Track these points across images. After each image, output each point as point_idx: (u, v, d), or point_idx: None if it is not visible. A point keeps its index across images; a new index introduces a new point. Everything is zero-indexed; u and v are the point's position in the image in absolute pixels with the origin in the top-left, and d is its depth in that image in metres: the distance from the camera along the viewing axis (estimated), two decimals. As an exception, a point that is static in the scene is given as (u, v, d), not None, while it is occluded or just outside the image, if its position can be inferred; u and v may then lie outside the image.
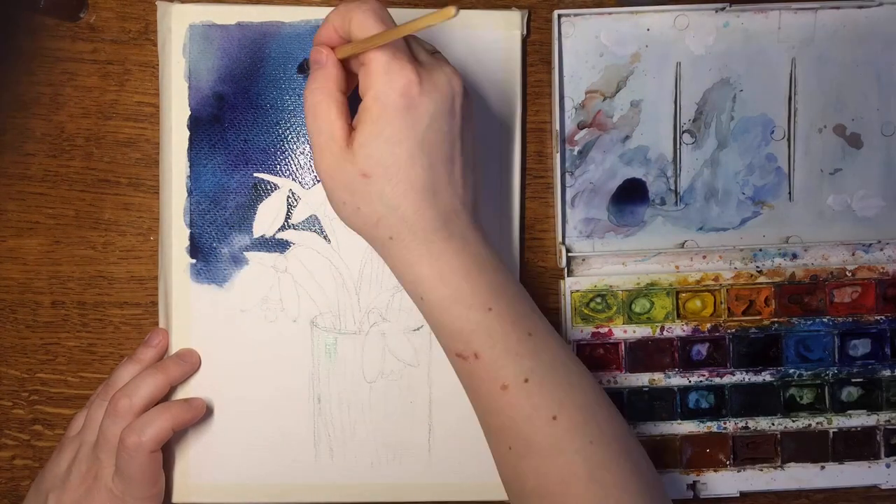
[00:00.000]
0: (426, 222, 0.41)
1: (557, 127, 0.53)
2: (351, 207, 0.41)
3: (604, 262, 0.54)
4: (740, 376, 0.54)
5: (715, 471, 0.54)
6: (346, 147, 0.40)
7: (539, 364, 0.42)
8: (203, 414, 0.51)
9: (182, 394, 0.52)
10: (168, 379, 0.50)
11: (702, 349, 0.54)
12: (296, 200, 0.53)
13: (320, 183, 0.44)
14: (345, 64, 0.42)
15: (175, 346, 0.52)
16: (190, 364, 0.52)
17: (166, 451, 0.52)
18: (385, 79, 0.39)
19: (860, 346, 0.54)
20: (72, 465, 0.50)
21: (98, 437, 0.49)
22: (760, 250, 0.54)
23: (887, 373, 0.54)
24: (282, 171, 0.53)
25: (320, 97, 0.41)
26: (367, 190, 0.40)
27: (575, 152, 0.54)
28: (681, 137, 0.54)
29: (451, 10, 0.34)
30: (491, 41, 0.53)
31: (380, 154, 0.39)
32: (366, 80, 0.39)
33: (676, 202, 0.54)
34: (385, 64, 0.39)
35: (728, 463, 0.54)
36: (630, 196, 0.54)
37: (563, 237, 0.54)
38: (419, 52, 0.42)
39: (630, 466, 0.41)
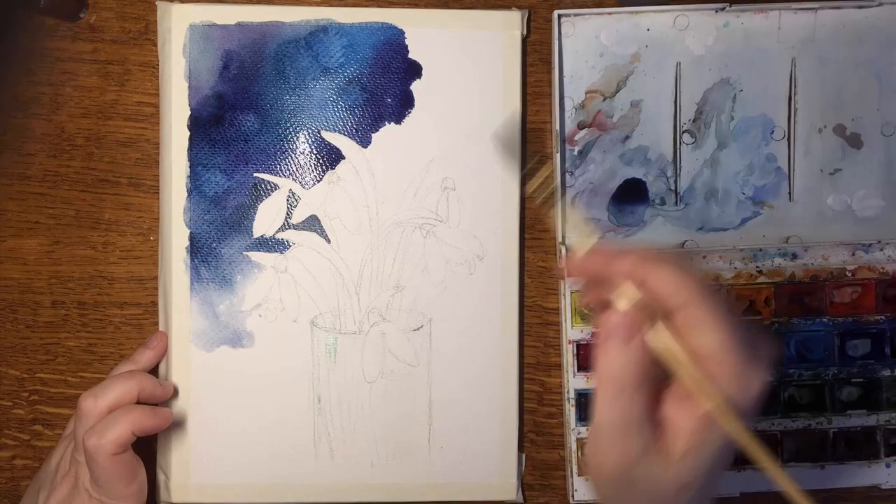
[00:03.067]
0: None
1: (557, 127, 0.53)
2: None
3: (604, 262, 0.54)
4: (740, 376, 0.54)
5: (715, 471, 0.54)
6: (656, 447, 0.34)
7: None
8: (168, 424, 0.50)
9: (184, 393, 0.52)
10: (138, 367, 0.51)
11: (702, 349, 0.54)
12: (296, 200, 0.53)
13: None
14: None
15: (175, 347, 0.52)
16: (161, 346, 0.52)
17: (165, 451, 0.52)
18: (739, 384, 0.34)
19: (860, 346, 0.54)
20: (59, 464, 0.50)
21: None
22: (760, 250, 0.54)
23: (887, 373, 0.54)
24: (282, 171, 0.53)
25: (633, 391, 0.34)
26: (675, 500, 0.35)
27: (575, 152, 0.54)
28: (681, 137, 0.54)
29: None
30: (491, 41, 0.53)
31: (708, 466, 0.34)
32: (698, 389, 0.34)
33: (676, 202, 0.54)
34: (741, 374, 0.33)
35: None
36: (630, 196, 0.54)
37: (563, 237, 0.54)
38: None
39: None
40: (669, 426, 0.34)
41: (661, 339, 0.34)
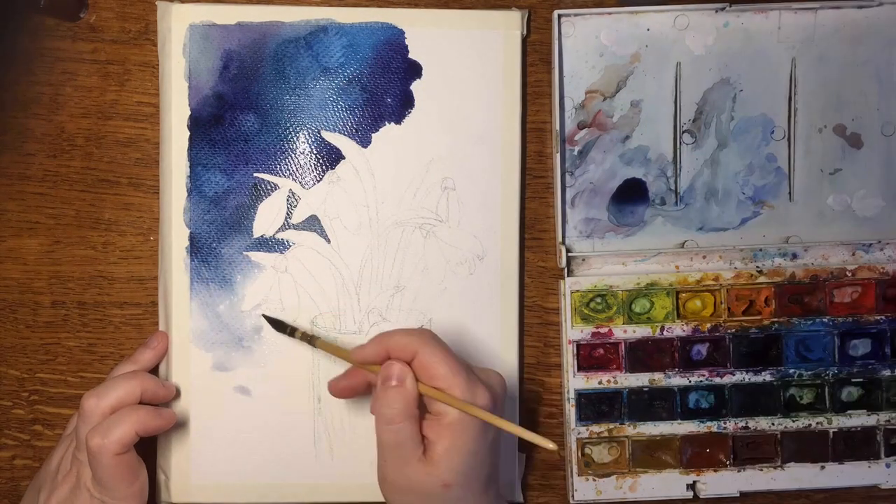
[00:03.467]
0: (486, 499, 0.46)
1: (557, 127, 0.53)
2: None
3: (604, 262, 0.54)
4: (740, 376, 0.54)
5: (715, 471, 0.54)
6: (424, 460, 0.44)
7: None
8: (172, 424, 0.50)
9: (184, 394, 0.52)
10: (139, 367, 0.51)
11: (702, 349, 0.54)
12: (296, 200, 0.53)
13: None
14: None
15: (175, 347, 0.52)
16: (162, 346, 0.52)
17: (165, 452, 0.52)
18: (470, 400, 0.43)
19: (860, 346, 0.54)
20: (60, 464, 0.50)
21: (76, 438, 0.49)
22: (760, 250, 0.54)
23: (887, 373, 0.54)
24: (282, 171, 0.53)
25: (401, 418, 0.44)
26: (443, 497, 0.44)
27: (575, 152, 0.54)
28: (681, 137, 0.54)
29: (550, 444, 0.43)
30: (491, 41, 0.53)
31: (462, 466, 0.44)
32: (448, 401, 0.44)
33: (676, 202, 0.54)
34: (468, 389, 0.43)
35: (728, 463, 0.54)
36: (630, 196, 0.54)
37: (563, 237, 0.54)
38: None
39: None
40: (429, 442, 0.44)
41: (414, 383, 0.44)
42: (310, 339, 0.50)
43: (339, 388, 0.49)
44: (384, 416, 0.44)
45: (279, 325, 0.51)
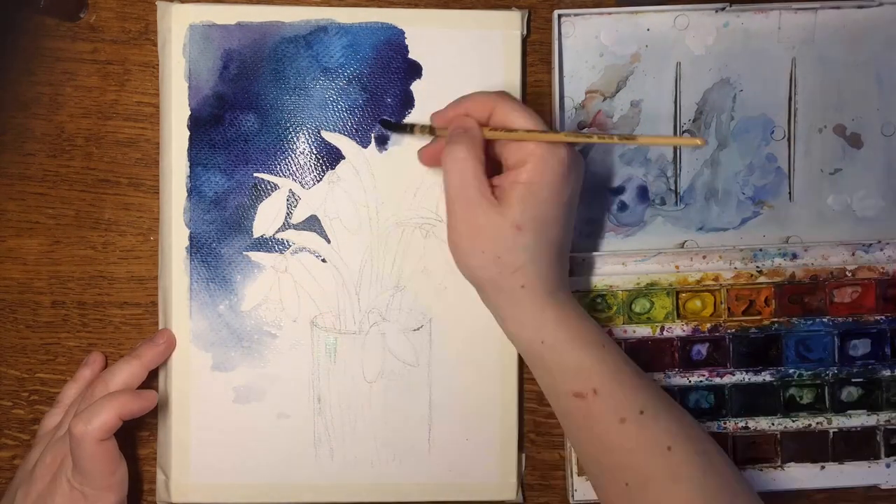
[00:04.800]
0: (556, 274, 0.46)
1: (557, 127, 0.53)
2: (490, 255, 0.45)
3: (604, 262, 0.54)
4: (740, 376, 0.54)
5: (715, 471, 0.54)
6: (495, 202, 0.44)
7: (650, 397, 0.45)
8: (153, 405, 0.49)
9: (184, 394, 0.52)
10: (142, 363, 0.50)
11: (702, 349, 0.54)
12: (296, 200, 0.53)
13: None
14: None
15: (176, 347, 0.52)
16: (165, 346, 0.52)
17: (165, 451, 0.52)
18: (549, 150, 0.44)
19: (860, 346, 0.54)
20: (38, 458, 0.50)
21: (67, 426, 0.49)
22: (760, 250, 0.54)
23: (887, 373, 0.54)
24: (282, 171, 0.53)
25: (468, 156, 0.44)
26: (514, 241, 0.44)
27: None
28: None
29: (698, 140, 0.42)
30: (491, 41, 0.53)
31: (535, 211, 0.44)
32: (524, 149, 0.44)
33: (676, 202, 0.54)
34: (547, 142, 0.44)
35: (728, 463, 0.54)
36: (630, 196, 0.54)
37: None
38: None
39: (743, 497, 0.45)
40: (501, 191, 0.45)
41: (490, 132, 0.45)
42: (430, 130, 0.50)
43: (426, 154, 0.50)
44: (449, 155, 0.44)
45: (398, 128, 0.52)
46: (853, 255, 0.54)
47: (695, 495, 0.43)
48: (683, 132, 0.54)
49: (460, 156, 0.44)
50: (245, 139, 0.53)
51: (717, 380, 0.54)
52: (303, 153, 0.53)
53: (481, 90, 0.47)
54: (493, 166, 0.46)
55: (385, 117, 0.52)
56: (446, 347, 0.53)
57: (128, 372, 0.50)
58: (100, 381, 0.49)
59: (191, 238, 0.52)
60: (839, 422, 0.54)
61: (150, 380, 0.51)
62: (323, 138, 0.53)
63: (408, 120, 0.53)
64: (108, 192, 0.54)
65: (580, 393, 0.45)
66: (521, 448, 0.54)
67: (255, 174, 0.53)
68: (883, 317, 0.54)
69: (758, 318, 0.54)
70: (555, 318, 0.46)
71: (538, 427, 0.55)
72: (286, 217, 0.53)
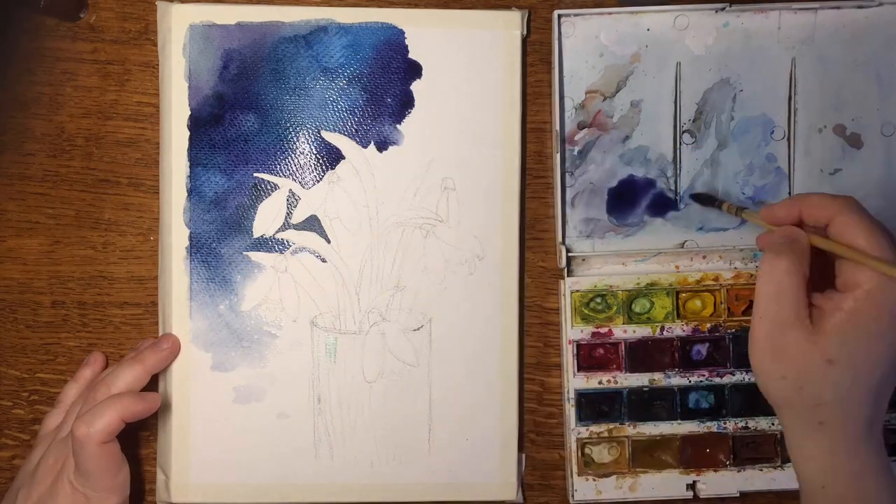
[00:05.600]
0: (864, 418, 0.41)
1: (557, 127, 0.53)
2: (791, 383, 0.41)
3: (604, 262, 0.54)
4: (740, 376, 0.54)
5: (715, 471, 0.54)
6: (809, 326, 0.40)
7: None
8: (157, 407, 0.49)
9: (184, 394, 0.52)
10: (146, 368, 0.50)
11: (702, 349, 0.54)
12: (296, 200, 0.53)
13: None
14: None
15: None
16: (168, 351, 0.52)
17: (165, 451, 0.52)
18: (889, 282, 0.39)
19: (860, 346, 0.54)
20: (40, 460, 0.50)
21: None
22: (760, 250, 0.54)
23: (887, 373, 0.54)
24: (282, 171, 0.53)
25: (791, 270, 0.41)
26: (823, 375, 0.40)
27: (575, 152, 0.54)
28: (681, 137, 0.54)
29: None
30: (491, 41, 0.53)
31: (853, 346, 0.40)
32: (859, 272, 0.40)
33: (676, 202, 0.54)
34: (892, 258, 0.40)
35: (728, 463, 0.54)
36: (630, 196, 0.54)
37: (563, 237, 0.54)
38: None
39: None
40: (821, 313, 0.40)
41: (819, 240, 0.41)
42: (736, 211, 0.49)
43: (764, 243, 0.45)
44: (769, 264, 0.41)
45: (707, 200, 0.52)
46: (853, 255, 0.54)
47: None
48: (683, 132, 0.54)
49: (782, 268, 0.41)
50: (245, 139, 0.53)
51: (717, 380, 0.54)
52: (303, 153, 0.53)
53: (824, 192, 0.42)
54: (815, 279, 0.42)
55: (699, 191, 0.53)
56: (446, 347, 0.53)
57: (131, 375, 0.50)
58: (102, 383, 0.49)
59: (191, 238, 0.52)
60: (839, 422, 0.54)
61: (151, 380, 0.51)
62: (323, 138, 0.53)
63: (408, 120, 0.53)
64: (108, 192, 0.54)
65: None
66: (521, 448, 0.54)
67: (255, 174, 0.53)
68: (883, 317, 0.54)
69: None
70: (846, 472, 0.41)
71: (538, 427, 0.55)
72: (286, 217, 0.53)
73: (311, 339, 0.53)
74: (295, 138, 0.53)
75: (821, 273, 0.42)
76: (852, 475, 0.41)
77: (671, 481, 0.54)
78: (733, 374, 0.54)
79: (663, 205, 0.54)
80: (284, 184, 0.53)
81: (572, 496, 0.54)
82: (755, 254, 0.54)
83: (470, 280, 0.53)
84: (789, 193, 0.54)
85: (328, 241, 0.53)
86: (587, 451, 0.54)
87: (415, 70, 0.53)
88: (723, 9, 0.53)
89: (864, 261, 0.39)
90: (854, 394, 0.41)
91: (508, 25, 0.53)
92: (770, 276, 0.41)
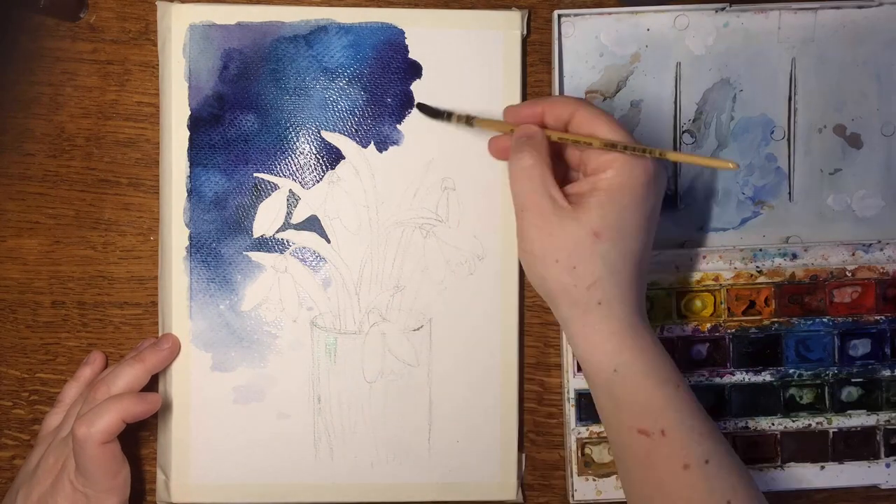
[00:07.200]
0: (635, 295, 0.44)
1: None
2: (565, 265, 0.43)
3: (604, 262, 0.54)
4: (740, 376, 0.54)
5: (715, 471, 0.54)
6: (569, 208, 0.43)
7: (716, 446, 0.43)
8: (157, 408, 0.49)
9: (184, 394, 0.52)
10: (146, 367, 0.50)
11: (702, 349, 0.54)
12: (296, 200, 0.53)
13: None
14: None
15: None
16: (169, 351, 0.52)
17: (165, 451, 0.52)
18: (632, 159, 0.43)
19: (860, 346, 0.54)
20: (40, 459, 0.50)
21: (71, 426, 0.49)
22: (760, 250, 0.54)
23: (887, 373, 0.54)
24: (282, 171, 0.53)
25: (535, 163, 0.43)
26: (591, 249, 0.42)
27: (575, 152, 0.54)
28: (681, 137, 0.54)
29: (731, 163, 0.41)
30: (491, 41, 0.53)
31: (614, 218, 0.42)
32: (605, 155, 0.43)
33: (676, 202, 0.54)
34: (631, 141, 0.43)
35: (728, 463, 0.54)
36: (630, 196, 0.54)
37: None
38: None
39: None
40: (579, 196, 0.43)
41: (565, 135, 0.44)
42: (467, 120, 0.49)
43: (498, 148, 0.49)
44: (515, 164, 0.44)
45: (434, 113, 0.51)
46: (853, 255, 0.54)
47: None
48: (683, 132, 0.54)
49: (527, 163, 0.43)
50: (245, 139, 0.53)
51: (717, 380, 0.54)
52: (303, 153, 0.53)
53: (564, 95, 0.45)
54: (562, 174, 0.45)
55: (422, 101, 0.52)
56: (446, 347, 0.53)
57: (131, 375, 0.50)
58: (102, 383, 0.49)
59: (191, 238, 0.52)
60: (839, 422, 0.54)
61: (151, 380, 0.51)
62: (323, 138, 0.53)
63: (408, 120, 0.53)
64: (108, 192, 0.54)
65: (646, 431, 0.43)
66: (521, 448, 0.54)
67: (255, 174, 0.53)
68: (883, 317, 0.54)
69: (758, 318, 0.54)
70: (632, 348, 0.43)
71: (538, 427, 0.55)
72: (286, 217, 0.53)
73: (311, 340, 0.53)
74: (295, 138, 0.53)
75: (562, 170, 0.46)
76: (638, 351, 0.43)
77: (671, 481, 0.54)
78: (733, 374, 0.54)
79: (663, 205, 0.54)
80: (284, 184, 0.53)
81: (572, 496, 0.54)
82: (755, 253, 0.54)
83: (470, 280, 0.53)
84: (789, 193, 0.54)
85: (328, 241, 0.53)
86: (587, 451, 0.54)
87: (415, 70, 0.53)
88: (723, 9, 0.53)
89: (598, 145, 0.43)
90: (622, 266, 0.43)
91: (508, 25, 0.53)
92: (519, 171, 0.44)
